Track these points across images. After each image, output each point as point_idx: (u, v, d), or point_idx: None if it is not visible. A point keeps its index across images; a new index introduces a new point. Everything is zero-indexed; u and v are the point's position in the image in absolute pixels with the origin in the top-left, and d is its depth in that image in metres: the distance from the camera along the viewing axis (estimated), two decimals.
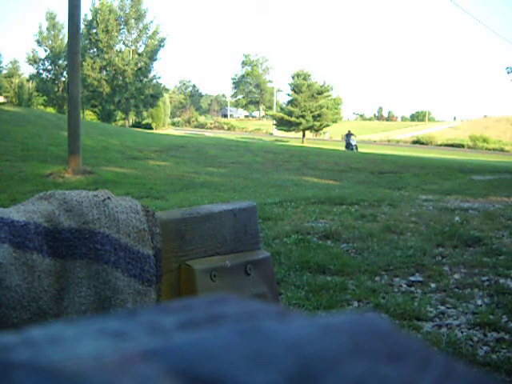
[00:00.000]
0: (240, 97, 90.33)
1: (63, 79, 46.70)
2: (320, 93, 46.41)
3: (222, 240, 0.87)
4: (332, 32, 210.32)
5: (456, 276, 3.57)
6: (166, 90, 58.25)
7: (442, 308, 2.99)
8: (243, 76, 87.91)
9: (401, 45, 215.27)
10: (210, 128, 70.23)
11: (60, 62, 47.95)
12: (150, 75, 46.67)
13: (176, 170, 11.91)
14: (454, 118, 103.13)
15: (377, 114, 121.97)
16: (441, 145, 50.63)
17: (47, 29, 48.71)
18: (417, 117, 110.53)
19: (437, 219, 5.46)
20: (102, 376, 0.17)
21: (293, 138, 48.57)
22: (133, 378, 0.17)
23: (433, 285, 3.40)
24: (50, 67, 48.92)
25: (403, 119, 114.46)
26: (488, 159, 29.55)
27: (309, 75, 47.37)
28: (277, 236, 4.53)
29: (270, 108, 76.16)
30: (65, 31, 43.10)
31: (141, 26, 46.50)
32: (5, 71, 62.74)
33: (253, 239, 0.93)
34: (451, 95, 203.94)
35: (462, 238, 4.51)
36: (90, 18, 44.89)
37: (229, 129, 69.51)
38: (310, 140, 46.11)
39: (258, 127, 69.06)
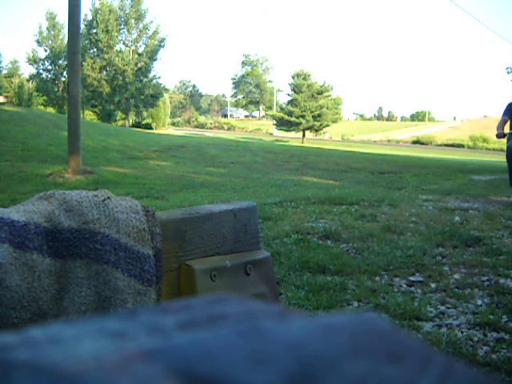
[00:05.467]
0: (240, 97, 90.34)
1: (63, 79, 46.71)
2: (320, 93, 46.42)
3: (222, 240, 0.87)
4: (332, 32, 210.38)
5: (456, 276, 3.57)
6: (166, 90, 58.27)
7: (442, 308, 2.99)
8: (243, 76, 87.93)
9: (401, 45, 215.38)
10: (210, 128, 70.23)
11: (60, 62, 47.96)
12: (150, 75, 46.70)
13: (176, 170, 11.90)
14: (454, 118, 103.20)
15: (377, 114, 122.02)
16: (441, 145, 50.63)
17: (47, 29, 48.73)
18: (417, 117, 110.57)
19: (437, 219, 5.46)
20: (102, 376, 0.17)
21: (293, 138, 48.56)
22: (133, 378, 0.17)
23: (433, 285, 3.40)
24: (50, 67, 48.93)
25: (403, 119, 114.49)
26: (488, 159, 29.54)
27: (309, 75, 47.38)
28: (277, 236, 4.53)
29: (270, 108, 76.16)
30: (65, 31, 43.11)
31: (141, 26, 46.54)
32: (5, 71, 62.88)
33: (253, 239, 0.93)
34: (451, 95, 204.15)
35: (462, 238, 4.51)
36: (90, 18, 44.93)
37: (229, 129, 69.51)
38: (310, 140, 46.11)
39: (258, 127, 69.06)
